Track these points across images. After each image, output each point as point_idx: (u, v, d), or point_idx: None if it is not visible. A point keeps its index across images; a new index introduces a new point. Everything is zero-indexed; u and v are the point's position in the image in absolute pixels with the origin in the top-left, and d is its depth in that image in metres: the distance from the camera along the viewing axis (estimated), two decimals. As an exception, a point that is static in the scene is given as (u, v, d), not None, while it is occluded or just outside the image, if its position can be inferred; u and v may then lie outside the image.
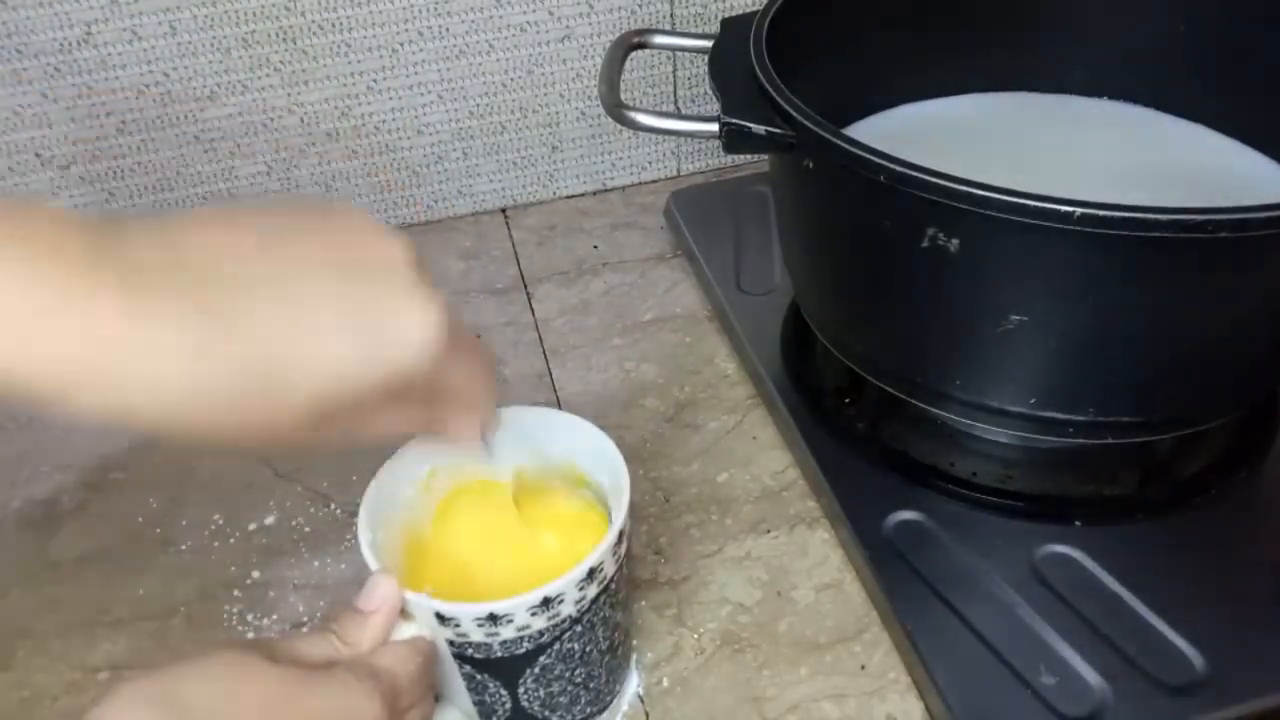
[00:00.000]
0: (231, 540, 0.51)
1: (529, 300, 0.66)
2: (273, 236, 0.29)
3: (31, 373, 0.25)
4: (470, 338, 0.36)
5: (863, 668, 0.45)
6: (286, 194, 0.32)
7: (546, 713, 0.39)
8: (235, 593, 0.49)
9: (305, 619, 0.48)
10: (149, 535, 0.52)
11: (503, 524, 0.43)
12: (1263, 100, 0.56)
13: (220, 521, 0.52)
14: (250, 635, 0.47)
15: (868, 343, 0.51)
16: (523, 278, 0.68)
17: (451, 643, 0.36)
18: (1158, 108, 0.60)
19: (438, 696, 0.39)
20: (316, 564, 0.50)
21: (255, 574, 0.50)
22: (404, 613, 0.36)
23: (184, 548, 0.51)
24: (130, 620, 0.48)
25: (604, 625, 0.39)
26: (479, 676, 0.37)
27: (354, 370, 0.29)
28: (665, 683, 0.44)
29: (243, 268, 0.28)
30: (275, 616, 0.48)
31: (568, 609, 0.36)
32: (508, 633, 0.35)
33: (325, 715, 0.32)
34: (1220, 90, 0.58)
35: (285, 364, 0.28)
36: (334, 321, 0.29)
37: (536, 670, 0.37)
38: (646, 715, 0.43)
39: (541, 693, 0.38)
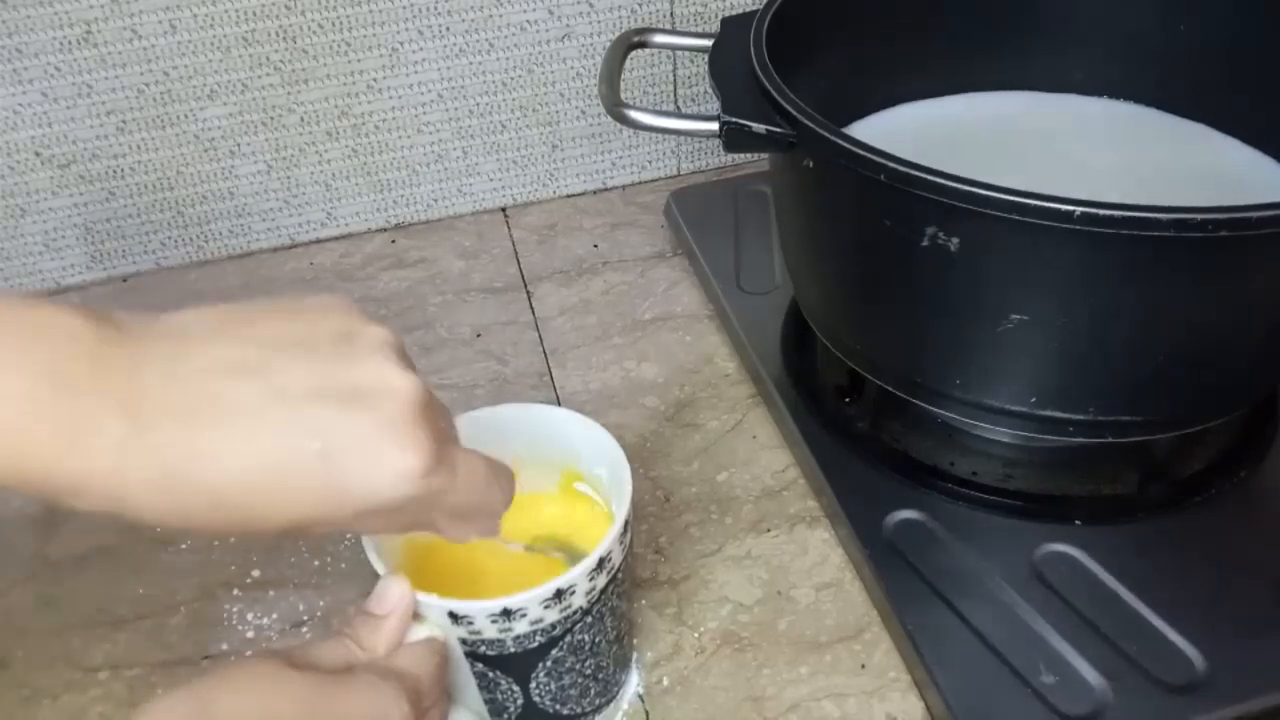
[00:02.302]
0: (231, 539, 0.51)
1: (529, 299, 0.66)
2: (274, 357, 0.30)
3: (30, 478, 0.27)
4: (474, 460, 0.33)
5: (863, 667, 0.45)
6: (320, 302, 0.32)
7: (558, 706, 0.39)
8: (235, 592, 0.49)
9: (305, 618, 0.48)
10: (149, 534, 0.52)
11: (501, 522, 0.43)
12: (1263, 100, 0.56)
13: (220, 521, 0.52)
14: (250, 635, 0.47)
15: (868, 342, 0.51)
16: (523, 277, 0.68)
17: (464, 641, 0.36)
18: (1158, 107, 0.60)
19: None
20: (316, 563, 0.50)
21: (255, 573, 0.50)
22: (415, 615, 0.36)
23: (184, 547, 0.51)
24: (130, 620, 0.48)
25: (612, 615, 0.39)
26: (491, 674, 0.38)
27: (319, 508, 0.29)
28: (665, 682, 0.44)
29: (235, 394, 0.29)
30: (275, 616, 0.48)
31: (579, 600, 0.36)
32: (521, 627, 0.36)
33: (356, 717, 0.32)
34: (1220, 90, 0.57)
35: (252, 493, 0.29)
36: (305, 457, 0.29)
37: (549, 664, 0.38)
38: (647, 714, 0.43)
39: (553, 686, 0.39)
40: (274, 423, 0.29)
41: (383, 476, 0.30)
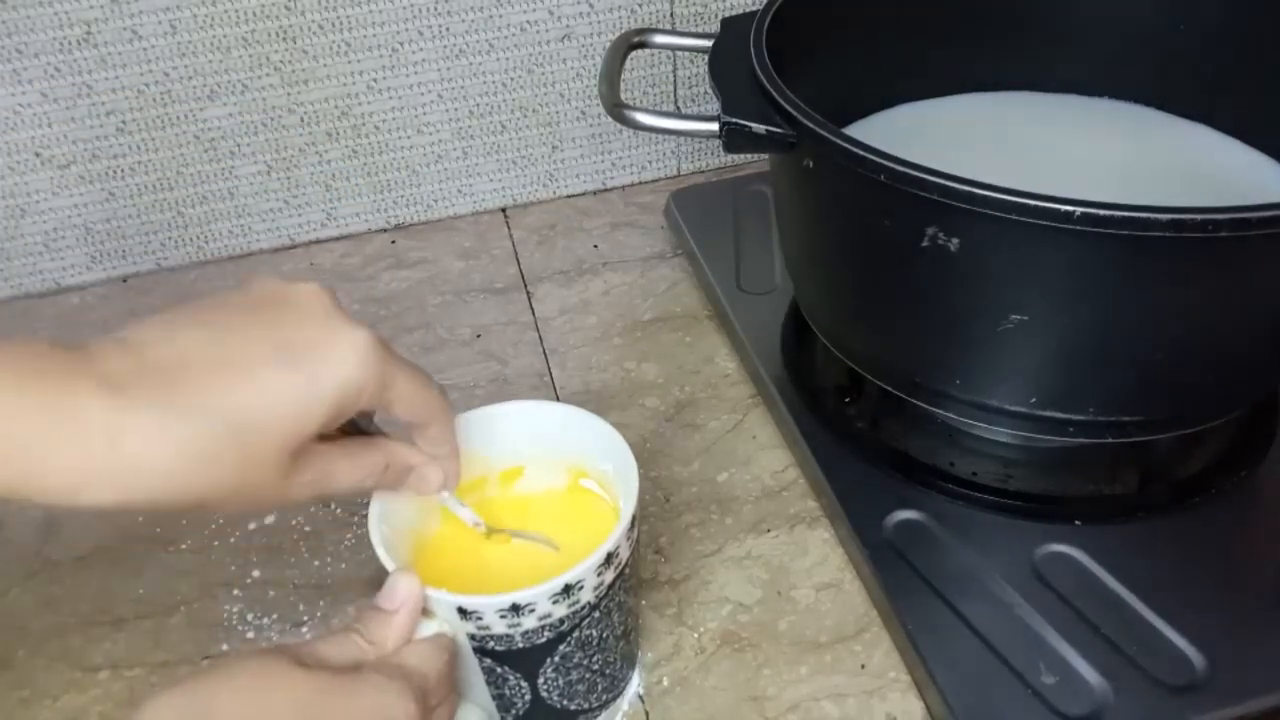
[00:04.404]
0: (231, 539, 0.51)
1: (529, 299, 0.66)
2: (208, 319, 0.33)
3: (45, 485, 0.29)
4: (410, 363, 0.36)
5: (863, 667, 0.45)
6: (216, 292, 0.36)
7: (565, 702, 0.40)
8: (235, 592, 0.49)
9: (305, 618, 0.48)
10: (149, 534, 0.52)
11: (507, 518, 0.43)
12: (1263, 100, 0.56)
13: (220, 520, 0.52)
14: (250, 634, 0.47)
15: (868, 342, 0.51)
16: (523, 277, 0.68)
17: (473, 636, 0.37)
18: (1158, 107, 0.60)
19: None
20: (316, 563, 0.50)
21: (255, 573, 0.50)
22: (424, 610, 0.36)
23: (184, 546, 0.51)
24: (130, 619, 0.48)
25: (619, 610, 0.39)
26: (499, 669, 0.38)
27: (304, 398, 0.32)
28: (665, 682, 0.44)
29: (190, 353, 0.32)
30: (275, 616, 0.48)
31: (587, 595, 0.37)
32: (529, 622, 0.36)
33: (361, 718, 0.32)
34: (1220, 90, 0.58)
35: (245, 414, 0.31)
36: (273, 367, 0.32)
37: (556, 659, 0.38)
38: (646, 715, 0.43)
39: (560, 682, 0.39)
40: (237, 347, 0.32)
41: (341, 355, 0.33)
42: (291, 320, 0.33)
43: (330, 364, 0.33)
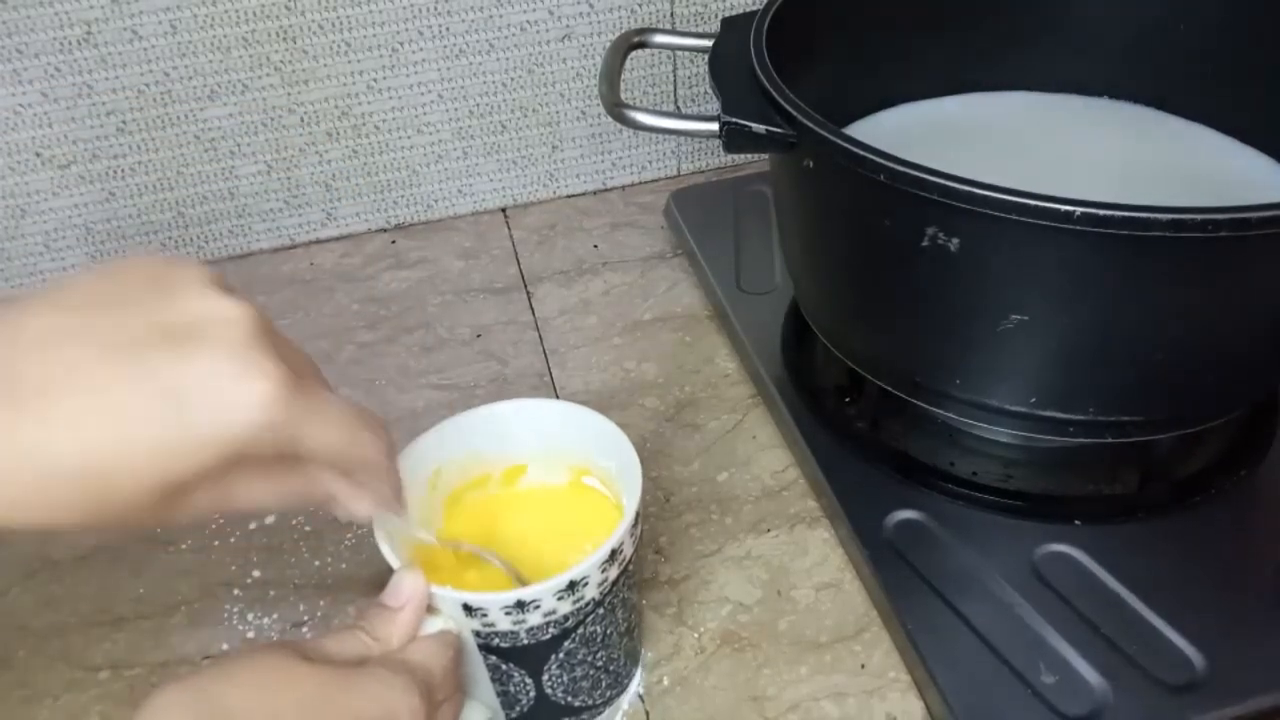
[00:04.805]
0: (232, 539, 0.51)
1: (529, 299, 0.66)
2: (94, 317, 0.29)
3: None
4: (341, 401, 0.33)
5: (863, 667, 0.45)
6: (125, 260, 0.31)
7: (569, 698, 0.40)
8: (235, 591, 0.49)
9: (305, 618, 0.48)
10: (149, 534, 0.52)
11: (510, 517, 0.43)
12: (1263, 100, 0.56)
13: (220, 520, 0.52)
14: (250, 634, 0.47)
15: (868, 342, 0.51)
16: (523, 277, 0.68)
17: (478, 634, 0.37)
18: (1158, 107, 0.60)
19: None
20: (317, 563, 0.50)
21: (256, 573, 0.50)
22: (429, 607, 0.36)
23: (184, 546, 0.51)
24: (130, 619, 0.48)
25: (623, 607, 0.39)
26: (504, 666, 0.38)
27: (177, 449, 0.28)
28: (665, 681, 0.44)
29: (64, 363, 0.28)
30: (275, 615, 0.48)
31: (591, 592, 0.37)
32: (534, 619, 0.36)
33: (366, 713, 0.32)
34: (1220, 90, 0.57)
35: (107, 456, 0.28)
36: (151, 403, 0.28)
37: (561, 656, 0.38)
38: (647, 714, 0.44)
39: (565, 678, 0.39)
40: (111, 379, 0.28)
41: (231, 405, 0.29)
42: (191, 352, 0.29)
43: (219, 416, 0.28)
